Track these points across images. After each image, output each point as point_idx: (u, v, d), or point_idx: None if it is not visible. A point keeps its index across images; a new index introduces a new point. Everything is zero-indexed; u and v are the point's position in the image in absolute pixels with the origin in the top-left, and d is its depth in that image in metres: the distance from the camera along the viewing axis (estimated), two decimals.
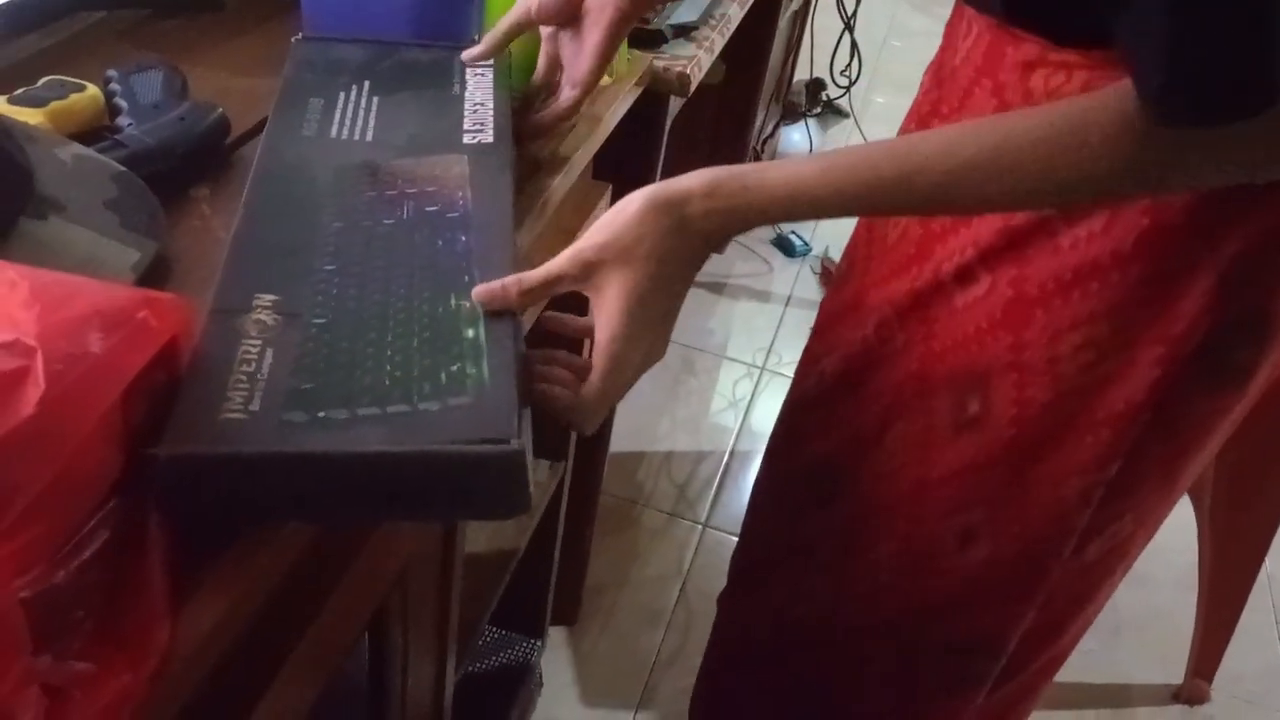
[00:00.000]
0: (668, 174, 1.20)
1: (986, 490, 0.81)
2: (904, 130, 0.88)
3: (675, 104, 1.15)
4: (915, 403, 0.83)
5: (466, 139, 0.76)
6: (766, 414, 2.13)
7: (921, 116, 0.84)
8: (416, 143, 0.76)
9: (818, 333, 0.97)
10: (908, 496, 0.85)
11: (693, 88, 1.07)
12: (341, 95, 0.80)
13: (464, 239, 0.66)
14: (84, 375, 0.49)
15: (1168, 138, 0.57)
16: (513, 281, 0.63)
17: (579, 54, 0.82)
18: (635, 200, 0.63)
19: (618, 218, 0.63)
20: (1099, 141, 0.58)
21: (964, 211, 0.73)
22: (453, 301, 0.61)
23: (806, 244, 2.57)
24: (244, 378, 0.54)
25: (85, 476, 0.50)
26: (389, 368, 0.56)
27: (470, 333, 0.59)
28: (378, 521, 0.65)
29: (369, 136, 0.76)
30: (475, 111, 0.79)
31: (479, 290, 0.62)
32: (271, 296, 0.60)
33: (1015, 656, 0.90)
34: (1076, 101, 0.60)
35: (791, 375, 1.00)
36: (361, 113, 0.78)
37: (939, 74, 0.83)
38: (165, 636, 0.48)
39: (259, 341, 0.57)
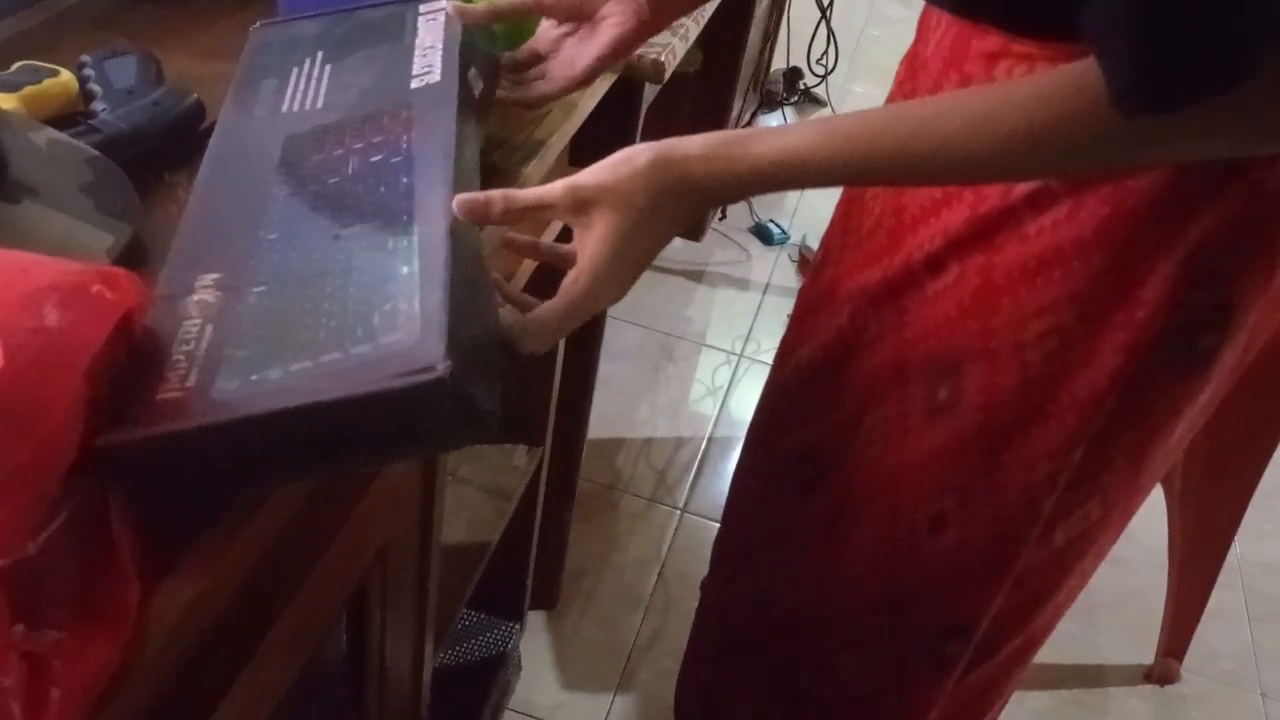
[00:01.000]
0: None
1: (957, 476, 0.82)
2: None
3: (650, 91, 1.16)
4: (890, 390, 0.84)
5: (414, 84, 0.74)
6: (745, 401, 2.14)
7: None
8: (367, 99, 0.74)
9: (796, 321, 0.97)
10: (884, 483, 0.86)
11: (667, 75, 1.08)
12: (295, 71, 0.79)
13: (405, 180, 0.65)
14: (44, 349, 0.50)
15: (1147, 124, 0.57)
16: (499, 197, 0.64)
17: (586, 46, 0.82)
18: (644, 154, 0.64)
19: (623, 166, 0.64)
20: (1080, 116, 0.58)
21: (961, 179, 0.73)
22: (390, 244, 0.60)
23: (784, 232, 2.58)
24: (182, 357, 0.54)
25: (52, 449, 0.51)
26: (324, 319, 0.55)
27: (405, 269, 0.57)
28: (341, 471, 0.60)
29: (319, 104, 0.75)
30: (424, 56, 0.77)
31: (459, 200, 0.61)
32: (214, 275, 0.60)
33: (986, 639, 0.91)
34: (1065, 70, 0.60)
35: (770, 362, 1.01)
36: (314, 83, 0.77)
37: (912, 65, 0.84)
38: (135, 606, 0.49)
39: (199, 320, 0.57)
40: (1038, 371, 0.76)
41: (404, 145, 0.68)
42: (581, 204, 0.65)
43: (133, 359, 0.55)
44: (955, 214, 0.76)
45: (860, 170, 0.65)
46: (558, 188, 0.65)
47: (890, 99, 0.88)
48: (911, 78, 0.83)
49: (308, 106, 0.75)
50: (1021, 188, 0.73)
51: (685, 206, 0.65)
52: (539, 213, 0.65)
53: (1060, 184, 0.72)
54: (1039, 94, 0.60)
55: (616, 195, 0.64)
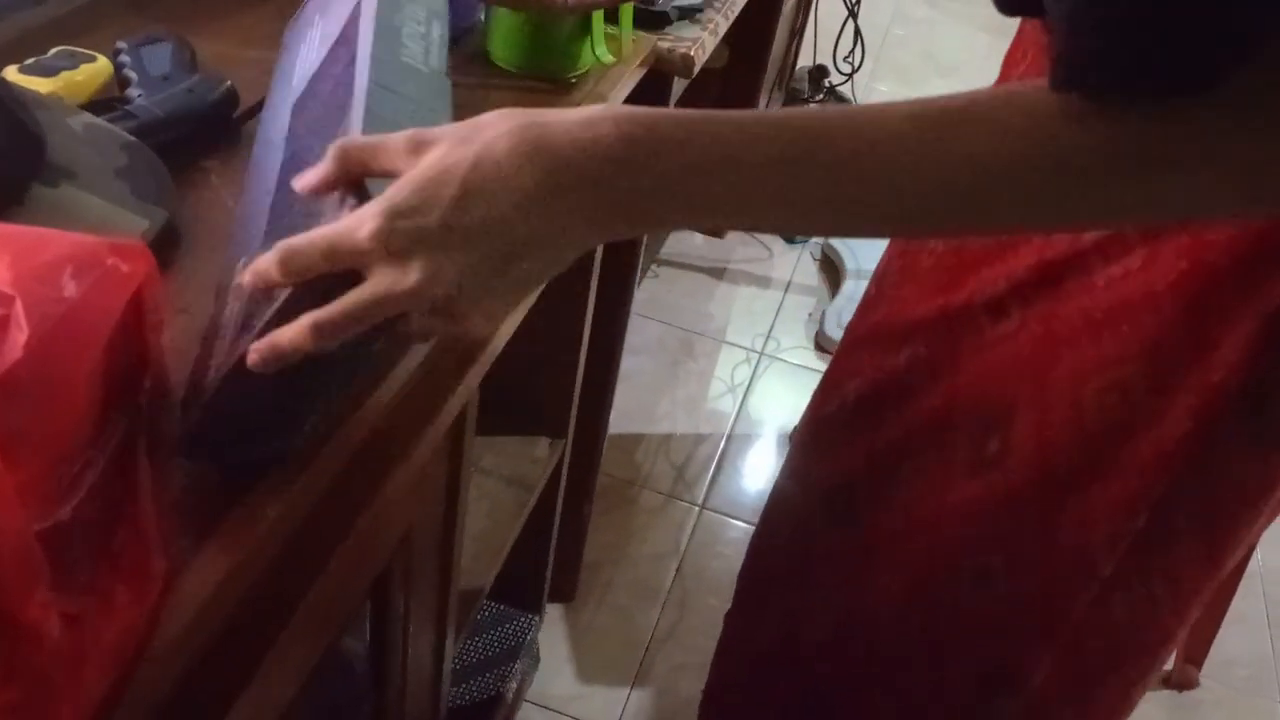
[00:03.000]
0: None
1: (1005, 532, 0.78)
2: None
3: (679, 86, 1.16)
4: (936, 436, 0.80)
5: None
6: (765, 398, 2.14)
7: None
8: (334, 38, 0.69)
9: (843, 355, 0.94)
10: (922, 527, 0.82)
11: (696, 69, 1.08)
12: (303, 42, 0.77)
13: (351, 70, 0.60)
14: (65, 318, 0.51)
15: (1096, 123, 0.48)
16: (336, 151, 0.52)
17: None
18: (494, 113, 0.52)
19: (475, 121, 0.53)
20: (1021, 120, 0.49)
21: (898, 214, 0.55)
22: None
23: None
24: (224, 339, 0.57)
25: (78, 416, 0.52)
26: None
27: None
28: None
29: (314, 64, 0.71)
30: None
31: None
32: (244, 257, 0.61)
33: (1040, 703, 0.85)
34: (1008, 85, 0.53)
35: (790, 360, 1.00)
36: (313, 46, 0.74)
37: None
38: (161, 572, 0.50)
39: (234, 303, 0.59)
40: (1096, 429, 0.71)
41: (355, 40, 0.63)
42: (420, 146, 0.51)
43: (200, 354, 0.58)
44: (1021, 258, 0.73)
45: (794, 178, 0.52)
46: (400, 136, 0.52)
47: None
48: None
49: (308, 70, 0.73)
50: (1092, 235, 0.68)
51: (543, 184, 0.50)
52: (380, 155, 0.52)
53: (1135, 233, 0.67)
54: (974, 97, 0.51)
55: (460, 127, 0.52)
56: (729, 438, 2.04)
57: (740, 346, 2.26)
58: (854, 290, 2.30)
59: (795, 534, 0.98)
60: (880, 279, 0.92)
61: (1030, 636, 0.81)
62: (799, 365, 2.23)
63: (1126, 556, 0.74)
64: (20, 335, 0.49)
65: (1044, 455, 0.73)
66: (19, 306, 0.49)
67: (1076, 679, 0.84)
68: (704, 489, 1.93)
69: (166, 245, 0.70)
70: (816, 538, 0.93)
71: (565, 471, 1.35)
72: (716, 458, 1.99)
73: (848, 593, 0.90)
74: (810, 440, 0.97)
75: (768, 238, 2.57)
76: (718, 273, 2.44)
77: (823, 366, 2.22)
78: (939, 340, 0.79)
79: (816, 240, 2.56)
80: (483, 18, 1.05)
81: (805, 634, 0.96)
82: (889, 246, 0.93)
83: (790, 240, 2.56)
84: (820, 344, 2.26)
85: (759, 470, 2.00)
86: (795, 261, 2.52)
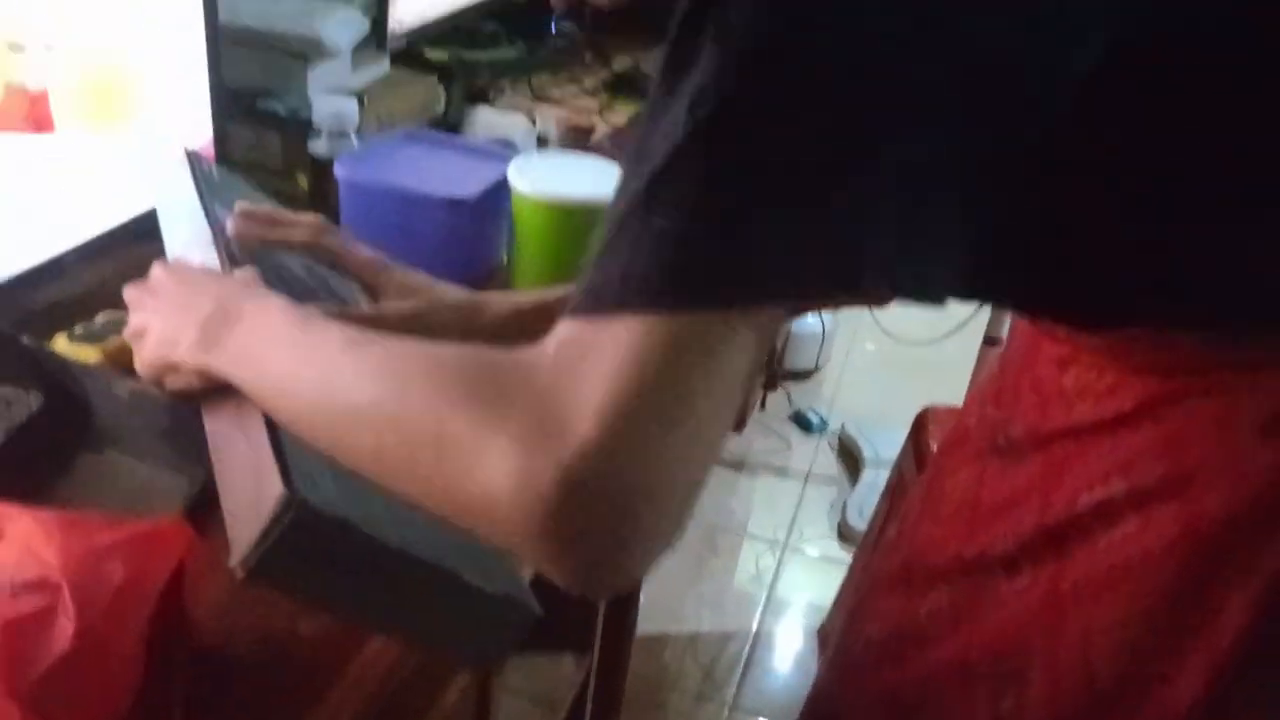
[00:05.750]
0: None
1: None
2: (965, 405, 0.87)
3: None
4: (955, 689, 0.79)
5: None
6: (791, 590, 2.13)
7: (982, 400, 0.83)
8: None
9: (864, 595, 0.93)
10: None
11: None
12: None
13: None
14: (112, 603, 0.54)
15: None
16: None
17: None
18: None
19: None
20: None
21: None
22: None
23: (824, 420, 2.62)
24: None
25: (124, 691, 0.56)
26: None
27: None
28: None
29: None
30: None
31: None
32: None
33: None
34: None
35: (814, 552, 1.00)
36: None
37: (1004, 361, 0.82)
38: None
39: None
40: (1107, 689, 0.70)
41: None
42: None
43: None
44: (1025, 517, 0.73)
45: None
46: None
47: (980, 388, 0.84)
48: (1001, 373, 0.82)
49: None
50: (1087, 498, 0.69)
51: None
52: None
53: (1125, 497, 0.67)
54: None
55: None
56: (757, 634, 2.03)
57: (763, 539, 2.27)
58: (874, 479, 2.31)
59: None
60: (902, 518, 0.92)
61: None
62: (823, 556, 2.23)
63: None
64: (69, 625, 0.52)
65: (1058, 713, 0.72)
66: (66, 594, 0.53)
67: None
68: (734, 689, 1.90)
69: (204, 502, 0.74)
70: None
71: (592, 687, 1.35)
72: (745, 654, 1.98)
73: None
74: (839, 676, 0.97)
75: (785, 428, 2.60)
76: (737, 465, 2.47)
77: (847, 557, 2.23)
78: (958, 592, 0.79)
79: (833, 429, 2.59)
80: (505, 258, 1.11)
81: None
82: (915, 487, 0.94)
83: (808, 430, 2.60)
84: (843, 534, 2.27)
85: (788, 667, 1.98)
86: (814, 452, 2.55)
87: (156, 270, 0.69)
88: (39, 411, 0.69)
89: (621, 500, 0.43)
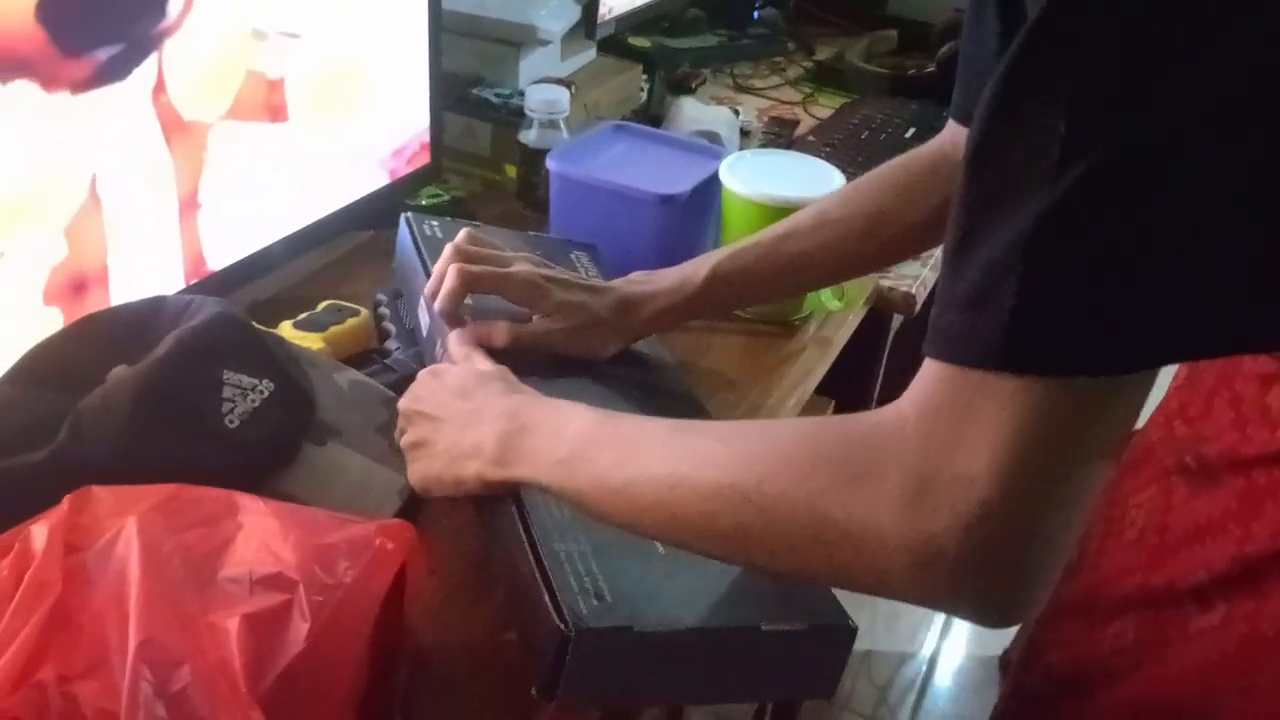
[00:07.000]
0: (885, 391, 1.21)
1: None
2: (1149, 420, 0.81)
3: (896, 320, 1.16)
4: None
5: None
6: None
7: (1168, 414, 0.79)
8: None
9: (1044, 620, 0.91)
10: None
11: (918, 308, 1.08)
12: None
13: None
14: (341, 605, 0.53)
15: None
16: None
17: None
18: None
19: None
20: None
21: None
22: None
23: None
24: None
25: (347, 698, 0.54)
26: None
27: None
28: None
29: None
30: None
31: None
32: None
33: None
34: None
35: None
36: None
37: (1192, 372, 0.78)
38: None
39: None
40: None
41: None
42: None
43: None
44: (1220, 548, 0.69)
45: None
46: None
47: (1164, 404, 0.80)
48: (1189, 386, 0.77)
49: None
50: None
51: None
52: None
53: None
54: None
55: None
56: (933, 658, 1.95)
57: None
58: None
59: None
60: (1083, 540, 0.87)
61: None
62: None
63: None
64: (303, 625, 0.51)
65: None
66: (301, 593, 0.52)
67: None
68: (907, 712, 1.84)
69: (419, 499, 0.73)
70: None
71: (770, 706, 1.31)
72: (920, 678, 1.90)
73: None
74: (1017, 706, 0.92)
75: None
76: None
77: None
78: (1145, 623, 0.74)
79: None
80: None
81: None
82: (1096, 511, 0.88)
83: None
84: None
85: (967, 693, 1.90)
86: None
87: (425, 379, 0.70)
88: (271, 399, 0.69)
89: (1024, 552, 0.44)
